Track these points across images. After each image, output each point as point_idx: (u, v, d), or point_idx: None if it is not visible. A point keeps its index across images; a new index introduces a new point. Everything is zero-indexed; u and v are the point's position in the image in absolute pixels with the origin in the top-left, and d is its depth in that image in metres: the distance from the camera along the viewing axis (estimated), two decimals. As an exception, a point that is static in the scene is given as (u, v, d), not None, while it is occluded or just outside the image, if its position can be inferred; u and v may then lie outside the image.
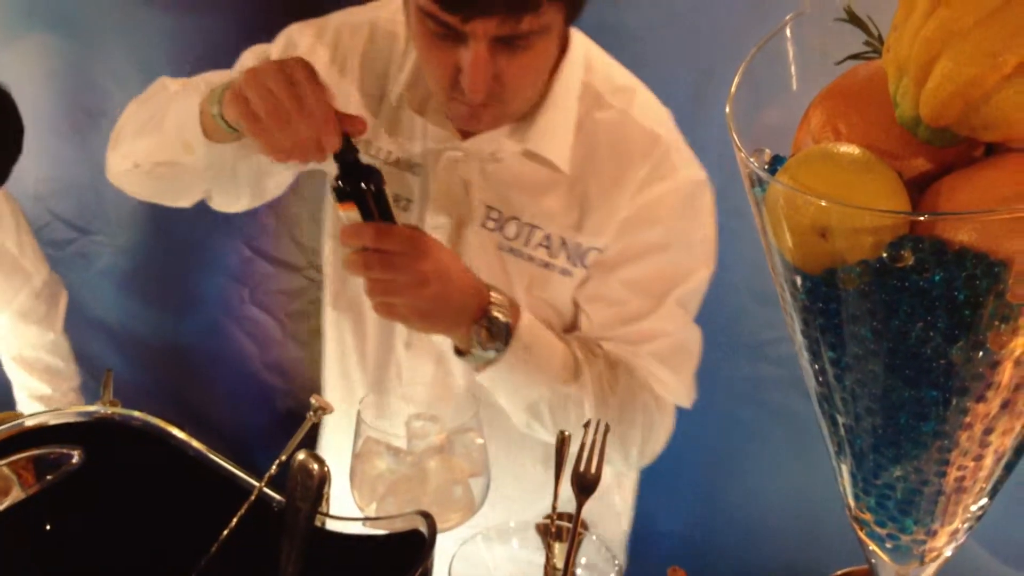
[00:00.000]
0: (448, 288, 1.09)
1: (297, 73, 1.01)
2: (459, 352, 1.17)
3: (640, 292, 1.23)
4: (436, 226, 1.24)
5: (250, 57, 1.31)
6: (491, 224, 1.24)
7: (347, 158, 1.07)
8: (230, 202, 1.37)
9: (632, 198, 1.20)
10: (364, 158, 1.08)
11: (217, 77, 1.24)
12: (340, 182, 1.08)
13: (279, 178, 1.37)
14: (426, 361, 1.30)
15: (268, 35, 1.30)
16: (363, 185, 1.07)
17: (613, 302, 1.24)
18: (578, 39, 1.20)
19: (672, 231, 1.21)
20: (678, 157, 1.20)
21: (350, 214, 1.07)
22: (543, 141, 1.20)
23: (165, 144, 1.20)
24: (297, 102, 1.00)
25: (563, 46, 1.18)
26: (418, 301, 1.07)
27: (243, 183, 1.32)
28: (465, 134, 1.22)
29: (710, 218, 1.23)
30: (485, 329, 1.13)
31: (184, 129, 1.16)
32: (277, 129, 1.01)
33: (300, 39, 1.29)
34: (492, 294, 1.15)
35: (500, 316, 1.13)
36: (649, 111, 1.22)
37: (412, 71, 1.24)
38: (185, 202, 1.36)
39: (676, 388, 1.26)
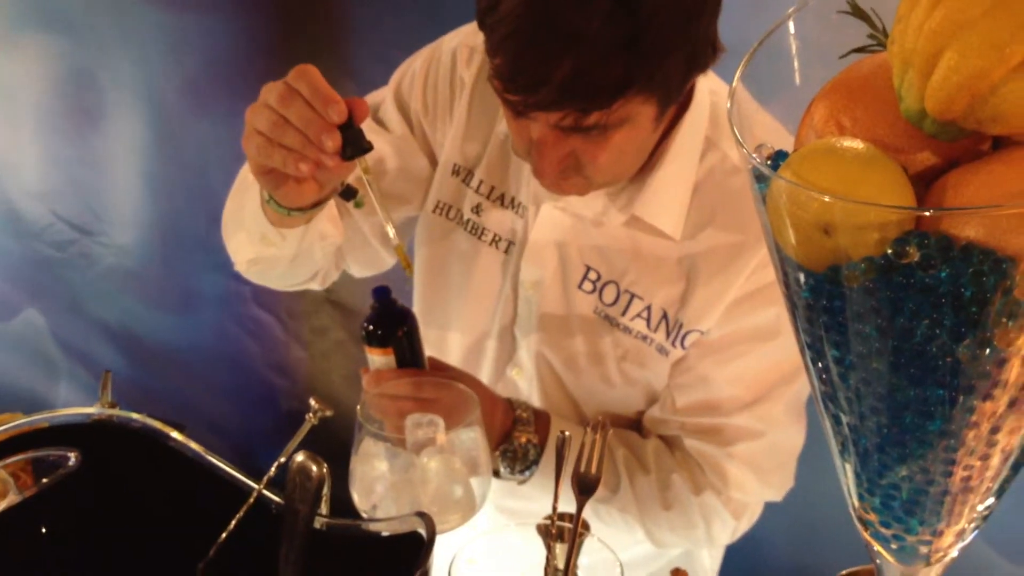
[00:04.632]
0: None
1: (296, 83, 0.89)
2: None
3: (736, 383, 1.11)
4: (531, 281, 1.16)
5: (395, 77, 1.24)
6: (588, 286, 1.14)
7: (382, 303, 1.03)
8: (372, 267, 1.30)
9: (748, 277, 1.07)
10: (399, 302, 1.04)
11: None
12: (372, 326, 1.03)
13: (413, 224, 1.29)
14: None
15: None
16: (400, 330, 1.03)
17: (703, 388, 1.12)
18: (705, 88, 1.06)
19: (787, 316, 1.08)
20: None
21: (380, 359, 1.03)
22: (651, 207, 1.07)
23: (250, 241, 1.11)
24: (298, 110, 0.88)
25: (685, 101, 1.05)
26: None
27: (377, 245, 1.24)
28: None
29: None
30: (509, 457, 1.10)
31: (258, 222, 1.06)
32: (298, 147, 0.88)
33: (416, 61, 1.21)
34: (517, 412, 1.10)
35: (524, 440, 1.09)
36: None
37: None
38: (315, 285, 1.27)
39: (759, 491, 1.14)
